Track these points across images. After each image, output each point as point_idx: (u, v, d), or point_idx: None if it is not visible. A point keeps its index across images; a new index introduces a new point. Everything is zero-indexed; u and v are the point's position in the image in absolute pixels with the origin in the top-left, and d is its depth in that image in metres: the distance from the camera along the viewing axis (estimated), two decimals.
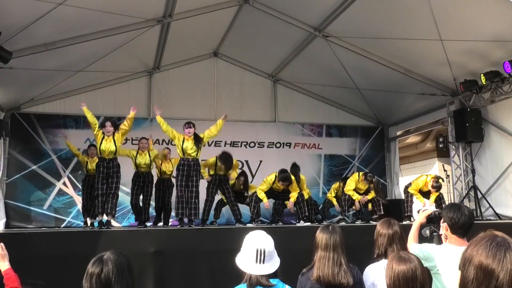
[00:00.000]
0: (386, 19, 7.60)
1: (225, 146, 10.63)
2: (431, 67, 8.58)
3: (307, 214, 7.52)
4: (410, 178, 14.46)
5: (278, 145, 10.99)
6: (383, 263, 2.91)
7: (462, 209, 2.82)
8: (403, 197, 10.78)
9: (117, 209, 8.08)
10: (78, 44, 7.63)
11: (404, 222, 7.34)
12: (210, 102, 10.71)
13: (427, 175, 8.63)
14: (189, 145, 6.92)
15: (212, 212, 7.87)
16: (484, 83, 7.88)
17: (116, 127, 6.87)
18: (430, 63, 8.46)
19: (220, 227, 7.50)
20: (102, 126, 6.94)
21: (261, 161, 10.30)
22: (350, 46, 8.61)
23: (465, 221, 2.75)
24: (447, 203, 8.75)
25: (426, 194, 8.34)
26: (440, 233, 2.93)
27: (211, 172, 7.74)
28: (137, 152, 7.79)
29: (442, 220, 2.88)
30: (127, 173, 7.89)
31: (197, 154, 6.97)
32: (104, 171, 6.65)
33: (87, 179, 8.14)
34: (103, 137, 6.75)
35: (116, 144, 6.74)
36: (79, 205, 9.11)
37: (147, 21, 7.88)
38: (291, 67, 10.34)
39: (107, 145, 6.70)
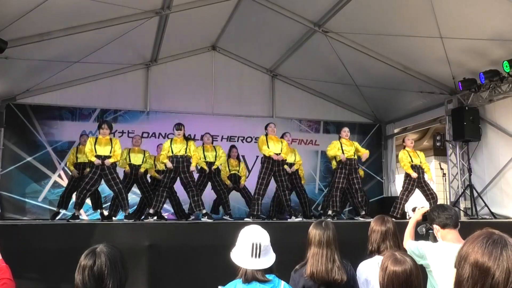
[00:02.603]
0: (386, 15, 7.58)
1: (221, 140, 10.61)
2: (430, 64, 8.58)
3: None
4: None
5: None
6: (376, 259, 2.93)
7: (440, 205, 3.03)
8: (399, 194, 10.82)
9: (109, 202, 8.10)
10: (74, 35, 7.57)
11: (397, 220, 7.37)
12: (208, 96, 10.68)
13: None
14: (178, 143, 7.09)
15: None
16: (483, 82, 7.89)
17: (111, 128, 6.96)
18: (429, 61, 8.46)
19: (216, 221, 7.49)
20: (98, 127, 6.98)
21: (257, 157, 10.26)
22: (349, 42, 8.60)
23: (445, 209, 2.88)
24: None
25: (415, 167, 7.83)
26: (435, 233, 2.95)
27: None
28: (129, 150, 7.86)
29: (431, 224, 2.92)
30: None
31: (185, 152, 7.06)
32: (98, 172, 6.66)
33: (76, 168, 8.07)
34: (96, 139, 6.79)
35: (114, 145, 6.75)
36: (74, 198, 9.07)
37: (145, 12, 7.82)
38: (289, 62, 10.32)
39: (103, 146, 6.72)
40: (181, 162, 6.98)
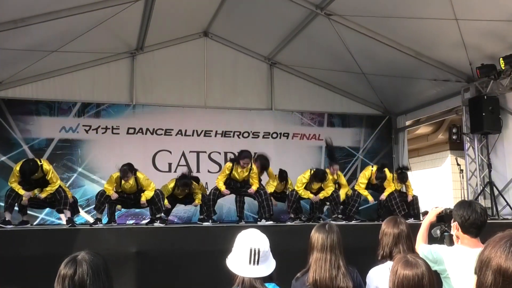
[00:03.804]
0: None
1: (215, 136, 10.62)
2: (444, 50, 8.58)
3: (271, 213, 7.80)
4: (420, 172, 14.60)
5: (274, 135, 10.98)
6: (388, 265, 2.92)
7: (473, 205, 2.84)
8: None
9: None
10: (52, 21, 7.54)
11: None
12: (200, 88, 10.66)
13: (372, 165, 8.89)
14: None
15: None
16: (503, 68, 7.88)
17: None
18: (443, 46, 8.46)
19: (208, 225, 7.49)
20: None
21: (255, 153, 10.27)
22: (355, 26, 8.58)
23: (476, 218, 2.77)
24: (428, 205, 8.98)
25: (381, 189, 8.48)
26: (451, 233, 2.94)
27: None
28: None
29: (452, 219, 2.89)
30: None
31: None
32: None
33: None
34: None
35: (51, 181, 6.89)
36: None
37: None
38: (289, 49, 10.30)
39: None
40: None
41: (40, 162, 6.91)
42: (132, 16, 8.57)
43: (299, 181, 8.04)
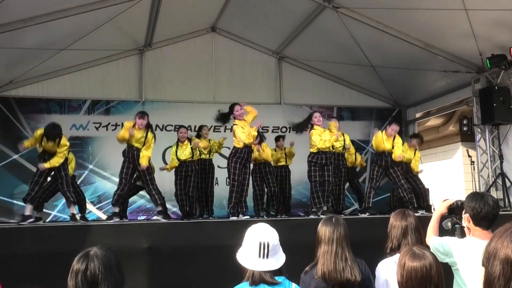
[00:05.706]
0: None
1: (225, 131, 10.62)
2: (454, 40, 8.51)
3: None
4: (431, 165, 14.52)
5: (283, 129, 10.96)
6: (396, 258, 2.93)
7: (485, 198, 2.82)
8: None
9: (107, 201, 8.16)
10: (60, 20, 7.60)
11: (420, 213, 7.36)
12: (208, 83, 10.68)
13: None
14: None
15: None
16: None
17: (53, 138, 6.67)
18: (453, 37, 8.39)
19: (220, 220, 7.53)
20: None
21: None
22: (363, 19, 8.54)
23: (488, 211, 2.75)
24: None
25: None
26: (462, 225, 2.93)
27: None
28: (177, 146, 7.94)
29: (463, 211, 2.88)
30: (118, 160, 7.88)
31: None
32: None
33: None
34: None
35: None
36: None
37: None
38: (298, 43, 10.28)
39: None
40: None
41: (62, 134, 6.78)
42: (140, 13, 8.61)
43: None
